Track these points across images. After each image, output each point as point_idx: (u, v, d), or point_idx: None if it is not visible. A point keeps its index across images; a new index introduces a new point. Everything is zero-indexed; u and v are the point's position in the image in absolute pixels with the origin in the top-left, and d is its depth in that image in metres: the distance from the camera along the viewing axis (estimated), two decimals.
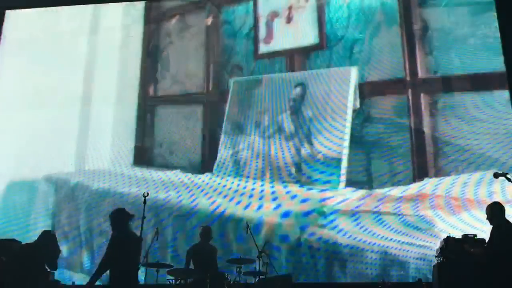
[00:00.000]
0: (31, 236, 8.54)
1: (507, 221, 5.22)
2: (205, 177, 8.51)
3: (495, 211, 5.29)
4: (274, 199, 7.84)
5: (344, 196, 7.57)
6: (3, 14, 10.19)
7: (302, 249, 7.19)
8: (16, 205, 8.97)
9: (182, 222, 7.93)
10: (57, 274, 8.20)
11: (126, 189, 8.57)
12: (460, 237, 5.73)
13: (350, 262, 6.89)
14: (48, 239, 5.92)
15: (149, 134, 9.18)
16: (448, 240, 5.76)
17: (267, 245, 6.47)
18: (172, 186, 8.46)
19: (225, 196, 8.06)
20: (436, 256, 5.87)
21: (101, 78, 9.58)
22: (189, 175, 8.59)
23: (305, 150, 8.17)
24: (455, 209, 7.02)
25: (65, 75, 9.61)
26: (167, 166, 8.87)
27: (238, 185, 8.24)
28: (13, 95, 9.68)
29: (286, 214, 7.59)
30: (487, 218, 5.34)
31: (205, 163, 8.68)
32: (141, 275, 6.14)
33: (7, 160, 9.21)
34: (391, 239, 6.96)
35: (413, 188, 7.43)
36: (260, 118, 8.64)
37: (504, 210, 5.30)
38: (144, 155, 9.07)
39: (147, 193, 6.27)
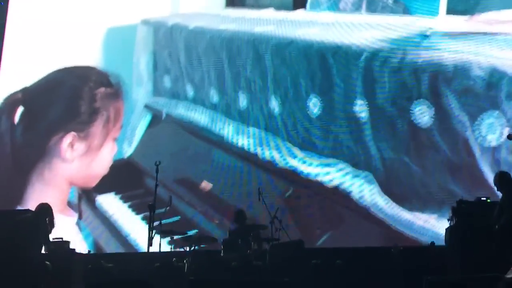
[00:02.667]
0: (134, 75, 8.60)
1: None
2: (299, 13, 8.05)
3: (502, 179, 5.07)
4: (372, 27, 7.33)
5: (446, 21, 6.96)
6: None
7: (405, 70, 6.77)
8: (118, 49, 8.89)
9: (282, 52, 7.60)
10: (164, 105, 8.27)
11: (222, 26, 8.26)
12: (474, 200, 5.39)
13: (456, 79, 6.45)
14: (45, 211, 5.55)
15: None
16: (461, 203, 5.32)
17: (279, 211, 6.07)
18: (268, 22, 8.07)
19: (321, 27, 7.61)
20: (448, 220, 5.42)
21: None
22: (283, 12, 8.15)
23: None
24: None
25: None
26: (259, 6, 8.44)
27: (334, 18, 7.75)
28: None
29: (386, 41, 7.11)
30: (494, 184, 5.09)
31: (297, 1, 8.18)
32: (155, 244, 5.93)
33: (103, 8, 9.01)
34: (500, 58, 6.41)
35: None
36: None
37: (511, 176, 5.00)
38: None
39: (159, 162, 6.01)
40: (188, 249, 5.91)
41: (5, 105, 8.48)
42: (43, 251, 5.39)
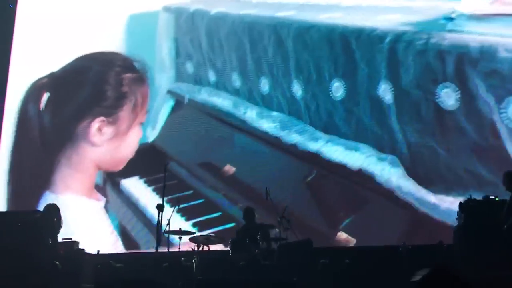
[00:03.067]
0: (157, 61, 8.61)
1: None
2: None
3: (511, 178, 5.03)
4: (396, 10, 7.23)
5: (472, 3, 6.83)
6: None
7: (430, 53, 6.67)
8: (141, 36, 8.89)
9: (304, 36, 7.54)
10: (187, 91, 8.28)
11: (244, 11, 8.21)
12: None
13: (482, 62, 6.34)
14: (52, 211, 5.69)
15: None
16: (469, 201, 5.19)
17: (287, 211, 5.98)
18: (289, 6, 8.00)
19: (344, 11, 7.53)
20: (456, 218, 5.32)
21: None
22: None
23: None
24: None
25: None
26: None
27: (357, 1, 7.67)
28: None
29: (411, 23, 7.00)
30: (503, 184, 5.03)
31: None
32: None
33: None
34: None
35: None
36: None
37: None
38: None
39: (168, 162, 5.91)
40: (196, 248, 5.90)
41: (31, 90, 8.57)
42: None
